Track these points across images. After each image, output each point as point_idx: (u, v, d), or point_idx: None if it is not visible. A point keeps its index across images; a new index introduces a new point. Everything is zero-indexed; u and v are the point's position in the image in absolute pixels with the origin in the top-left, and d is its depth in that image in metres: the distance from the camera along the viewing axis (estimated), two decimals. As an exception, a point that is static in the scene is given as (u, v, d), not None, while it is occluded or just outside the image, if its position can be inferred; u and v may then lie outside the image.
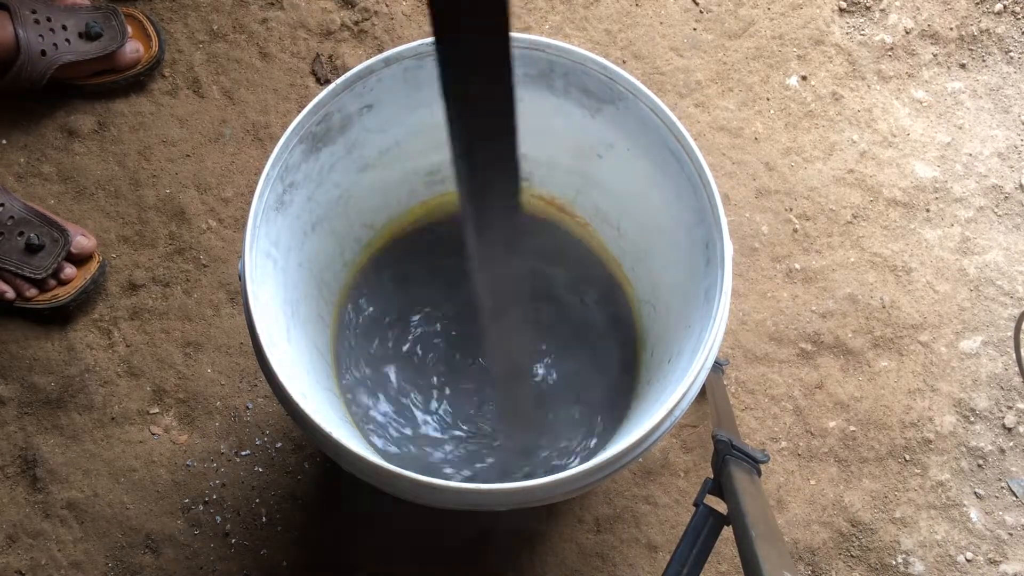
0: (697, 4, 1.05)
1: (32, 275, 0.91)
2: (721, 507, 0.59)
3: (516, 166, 0.42)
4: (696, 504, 0.60)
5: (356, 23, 1.04)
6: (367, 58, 0.68)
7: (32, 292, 0.92)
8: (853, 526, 0.89)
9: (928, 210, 0.99)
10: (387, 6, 1.05)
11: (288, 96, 1.02)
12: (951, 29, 1.04)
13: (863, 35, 1.05)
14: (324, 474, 0.90)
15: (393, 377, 0.84)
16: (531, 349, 0.57)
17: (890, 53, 1.04)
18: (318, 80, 1.03)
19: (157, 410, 0.93)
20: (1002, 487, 0.90)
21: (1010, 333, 0.94)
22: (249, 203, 0.64)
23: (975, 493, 0.90)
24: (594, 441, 0.80)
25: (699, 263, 0.66)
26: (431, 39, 0.66)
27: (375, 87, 0.69)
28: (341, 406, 0.76)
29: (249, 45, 1.03)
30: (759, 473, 0.65)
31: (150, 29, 1.01)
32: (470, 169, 0.41)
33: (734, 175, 0.99)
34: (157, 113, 1.01)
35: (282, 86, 1.02)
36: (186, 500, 0.90)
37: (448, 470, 0.79)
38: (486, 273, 0.49)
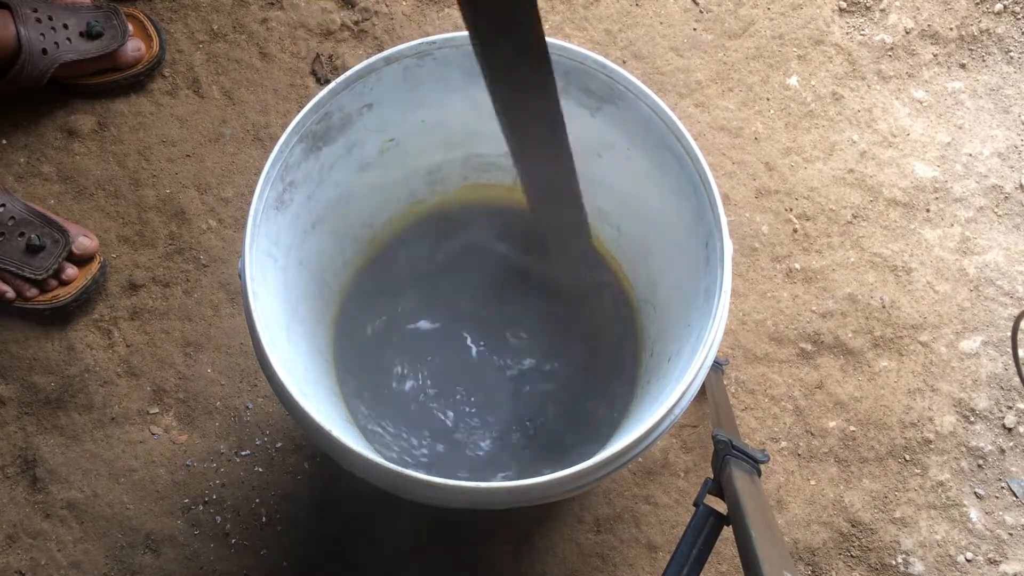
0: (697, 4, 1.05)
1: (32, 276, 0.91)
2: (721, 507, 0.59)
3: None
4: (696, 504, 0.60)
5: (356, 23, 1.04)
6: (367, 58, 0.68)
7: (32, 292, 0.92)
8: (853, 526, 0.89)
9: (928, 210, 0.99)
10: (387, 6, 1.05)
11: (288, 96, 1.02)
12: (951, 29, 1.04)
13: (863, 35, 1.05)
14: (324, 474, 0.90)
15: (393, 375, 0.84)
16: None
17: (890, 53, 1.04)
18: (318, 80, 1.03)
19: (157, 410, 0.93)
20: (1002, 487, 0.90)
21: (1010, 333, 0.94)
22: (249, 203, 0.64)
23: (975, 493, 0.90)
24: (593, 439, 0.80)
25: (699, 262, 0.66)
26: (437, 37, 0.67)
27: (375, 86, 0.69)
28: (341, 405, 0.76)
29: (249, 45, 1.03)
30: (759, 473, 0.65)
31: (150, 29, 1.01)
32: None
33: (734, 175, 0.99)
34: (157, 113, 1.02)
35: (282, 86, 1.02)
36: (186, 500, 0.90)
37: (448, 467, 0.79)
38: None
